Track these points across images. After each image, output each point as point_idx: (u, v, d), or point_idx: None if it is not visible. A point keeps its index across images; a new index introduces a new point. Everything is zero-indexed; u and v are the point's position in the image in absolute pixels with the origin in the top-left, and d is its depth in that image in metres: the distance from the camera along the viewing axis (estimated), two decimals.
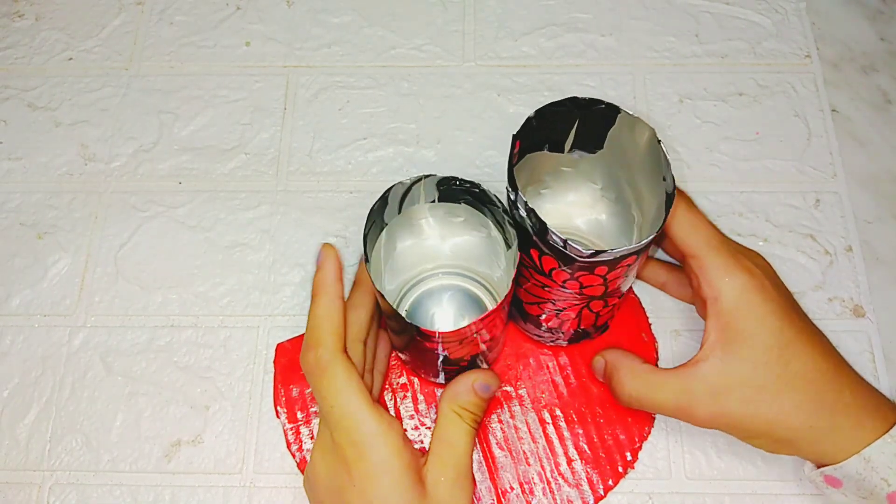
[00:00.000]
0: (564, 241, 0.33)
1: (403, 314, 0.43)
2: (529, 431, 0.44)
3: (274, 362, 0.46)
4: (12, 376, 0.46)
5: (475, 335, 0.37)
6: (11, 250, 0.50)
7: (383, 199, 0.37)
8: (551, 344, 0.45)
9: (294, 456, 0.43)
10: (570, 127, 0.39)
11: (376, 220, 0.38)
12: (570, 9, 0.56)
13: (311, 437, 0.44)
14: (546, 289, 0.38)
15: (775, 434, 0.38)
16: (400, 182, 0.37)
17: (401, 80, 0.54)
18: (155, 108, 0.54)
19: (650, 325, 0.46)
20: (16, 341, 0.47)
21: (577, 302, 0.39)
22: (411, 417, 0.44)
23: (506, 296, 0.35)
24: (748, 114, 0.52)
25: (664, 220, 0.35)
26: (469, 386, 0.39)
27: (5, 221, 0.51)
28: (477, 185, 0.37)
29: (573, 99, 0.37)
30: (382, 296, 0.35)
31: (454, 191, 0.38)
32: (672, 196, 0.35)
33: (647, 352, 0.45)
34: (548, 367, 0.45)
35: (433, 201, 0.40)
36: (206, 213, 0.50)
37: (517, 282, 0.40)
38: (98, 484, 0.44)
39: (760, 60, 0.54)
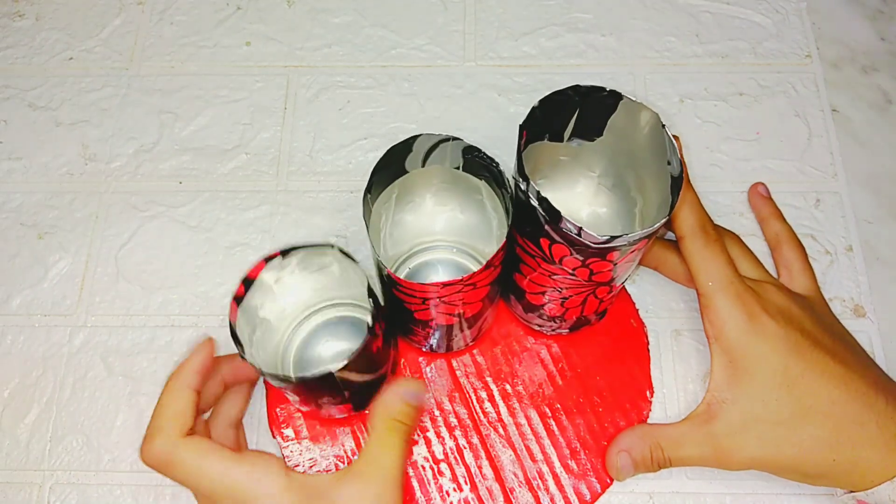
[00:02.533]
0: (579, 229, 0.33)
1: (403, 275, 0.43)
2: (531, 427, 0.44)
3: (265, 382, 0.45)
4: (13, 376, 0.46)
5: (438, 300, 0.36)
6: (12, 250, 0.50)
7: (407, 144, 0.37)
8: (552, 333, 0.45)
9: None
10: (570, 115, 0.39)
11: (394, 163, 0.38)
12: (570, 9, 0.56)
13: (311, 461, 0.43)
14: (554, 277, 0.38)
15: (802, 469, 0.38)
16: (428, 134, 0.37)
17: (401, 80, 0.54)
18: (155, 108, 0.54)
19: (637, 310, 0.47)
20: (16, 341, 0.47)
21: (584, 289, 0.39)
22: None
23: (475, 273, 0.35)
24: (749, 114, 0.52)
25: (673, 204, 0.35)
26: (399, 396, 0.38)
27: (6, 221, 0.51)
28: (496, 164, 0.37)
29: (576, 87, 0.37)
30: (368, 231, 0.35)
31: (477, 163, 0.38)
32: (679, 179, 0.35)
33: (638, 336, 0.46)
34: (542, 360, 0.45)
35: (458, 168, 0.40)
36: (207, 213, 0.50)
37: (519, 269, 0.40)
38: (98, 484, 0.44)
39: (761, 60, 0.54)
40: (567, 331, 0.45)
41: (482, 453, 0.43)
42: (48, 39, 0.57)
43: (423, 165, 0.39)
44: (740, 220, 0.49)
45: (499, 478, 0.43)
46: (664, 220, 0.34)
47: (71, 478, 0.44)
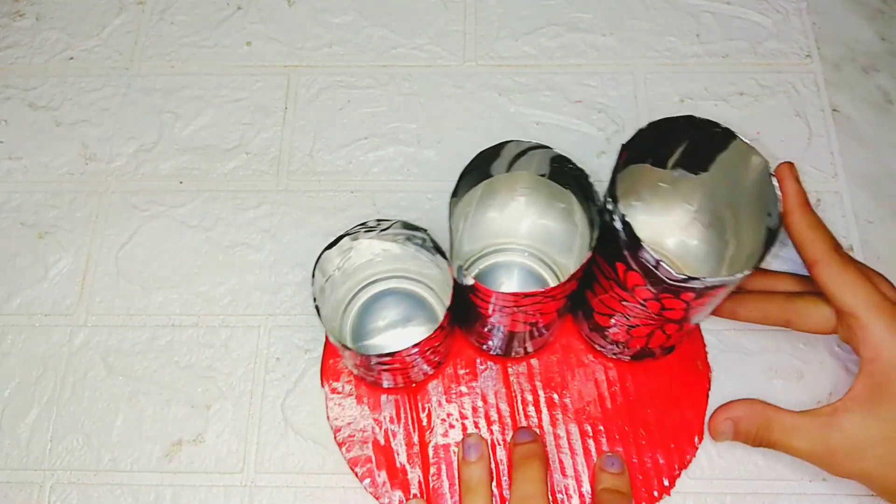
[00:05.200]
0: (657, 262, 0.33)
1: (474, 273, 0.45)
2: (569, 441, 0.43)
3: (326, 335, 0.46)
4: (13, 376, 0.46)
5: (515, 308, 0.36)
6: (12, 250, 0.50)
7: (496, 150, 0.37)
8: (613, 357, 0.45)
9: (332, 426, 0.44)
10: (678, 145, 0.38)
11: (481, 166, 0.38)
12: (570, 9, 0.56)
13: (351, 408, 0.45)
14: (624, 304, 0.38)
15: None
16: (517, 141, 0.37)
17: (402, 80, 0.54)
18: (156, 108, 0.54)
19: (707, 353, 0.45)
20: (17, 341, 0.47)
21: (652, 322, 0.38)
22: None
23: (555, 287, 0.35)
24: (749, 113, 0.52)
25: (761, 257, 0.33)
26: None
27: (6, 221, 0.51)
28: (585, 176, 0.36)
29: (689, 117, 0.36)
30: (451, 234, 0.36)
31: (564, 172, 0.38)
32: (775, 233, 0.34)
33: (700, 381, 0.45)
34: (597, 379, 0.45)
35: (543, 175, 0.40)
36: (207, 213, 0.51)
37: (591, 286, 0.39)
38: (99, 483, 0.44)
39: (761, 60, 0.54)
40: (629, 358, 0.44)
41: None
42: (48, 39, 0.57)
43: (507, 170, 0.39)
44: None
45: None
46: (748, 273, 0.33)
47: (71, 477, 0.44)
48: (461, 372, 0.45)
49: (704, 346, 0.46)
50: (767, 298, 0.44)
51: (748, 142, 0.36)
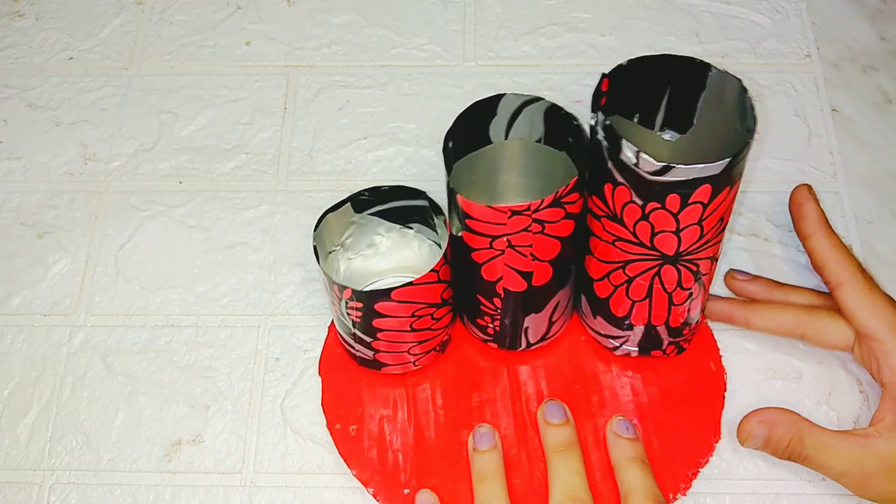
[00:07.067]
0: (637, 154, 0.33)
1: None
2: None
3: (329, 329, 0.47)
4: (13, 376, 0.46)
5: (506, 240, 0.36)
6: (11, 250, 0.50)
7: (491, 106, 0.37)
8: (621, 353, 0.44)
9: (327, 420, 0.44)
10: (661, 95, 0.38)
11: (478, 121, 0.38)
12: (570, 8, 0.56)
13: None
14: (618, 243, 0.37)
15: None
16: (513, 93, 0.37)
17: (401, 80, 0.54)
18: (155, 108, 0.54)
19: (721, 357, 0.45)
20: (16, 341, 0.47)
21: (647, 264, 0.37)
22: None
23: (537, 203, 0.34)
24: None
25: (744, 150, 0.33)
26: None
27: (5, 221, 0.51)
28: (576, 119, 0.37)
29: (667, 55, 0.36)
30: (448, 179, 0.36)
31: (560, 123, 0.38)
32: (752, 134, 0.34)
33: (716, 383, 0.44)
34: (604, 374, 0.44)
35: (539, 140, 0.39)
36: (207, 213, 0.51)
37: (588, 248, 0.39)
38: (98, 483, 0.44)
39: (761, 60, 0.54)
40: (636, 348, 0.43)
41: (515, 443, 0.43)
42: (48, 39, 0.57)
43: (506, 136, 0.39)
44: (740, 220, 0.49)
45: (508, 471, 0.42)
46: (725, 162, 0.33)
47: (71, 477, 0.44)
48: (463, 369, 0.45)
49: (717, 348, 0.45)
50: (783, 309, 0.44)
51: (721, 69, 0.36)
